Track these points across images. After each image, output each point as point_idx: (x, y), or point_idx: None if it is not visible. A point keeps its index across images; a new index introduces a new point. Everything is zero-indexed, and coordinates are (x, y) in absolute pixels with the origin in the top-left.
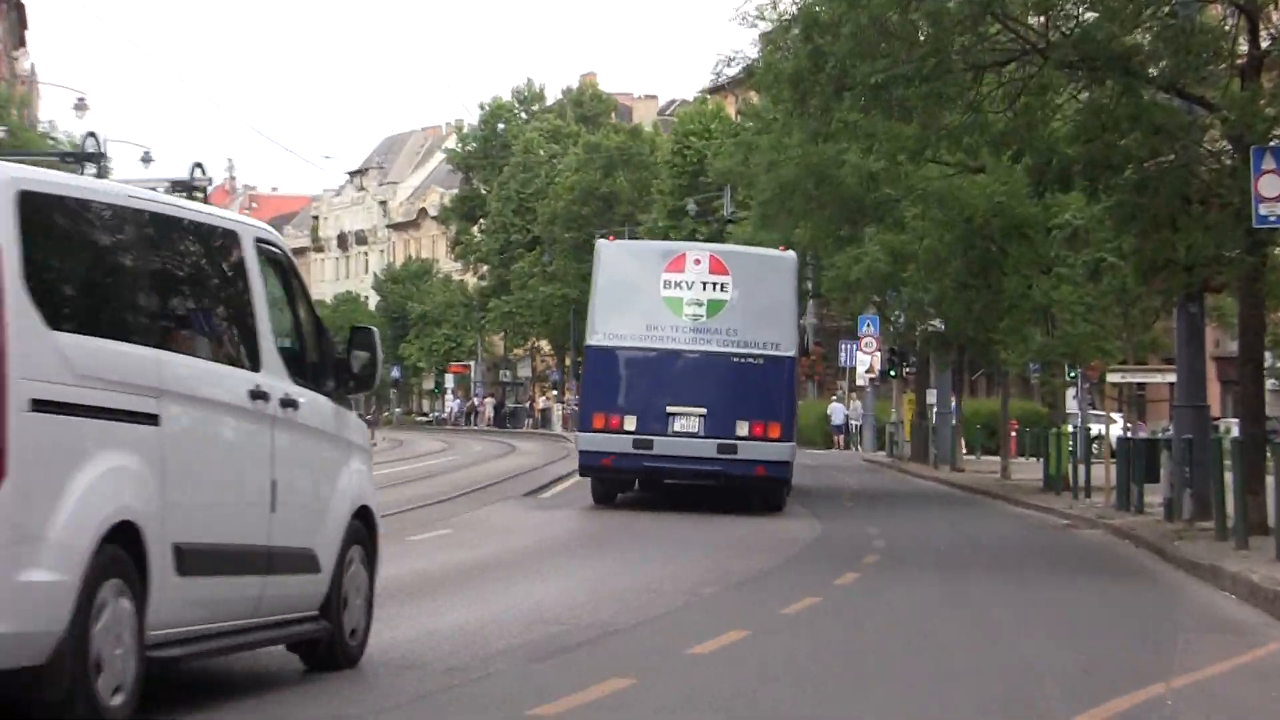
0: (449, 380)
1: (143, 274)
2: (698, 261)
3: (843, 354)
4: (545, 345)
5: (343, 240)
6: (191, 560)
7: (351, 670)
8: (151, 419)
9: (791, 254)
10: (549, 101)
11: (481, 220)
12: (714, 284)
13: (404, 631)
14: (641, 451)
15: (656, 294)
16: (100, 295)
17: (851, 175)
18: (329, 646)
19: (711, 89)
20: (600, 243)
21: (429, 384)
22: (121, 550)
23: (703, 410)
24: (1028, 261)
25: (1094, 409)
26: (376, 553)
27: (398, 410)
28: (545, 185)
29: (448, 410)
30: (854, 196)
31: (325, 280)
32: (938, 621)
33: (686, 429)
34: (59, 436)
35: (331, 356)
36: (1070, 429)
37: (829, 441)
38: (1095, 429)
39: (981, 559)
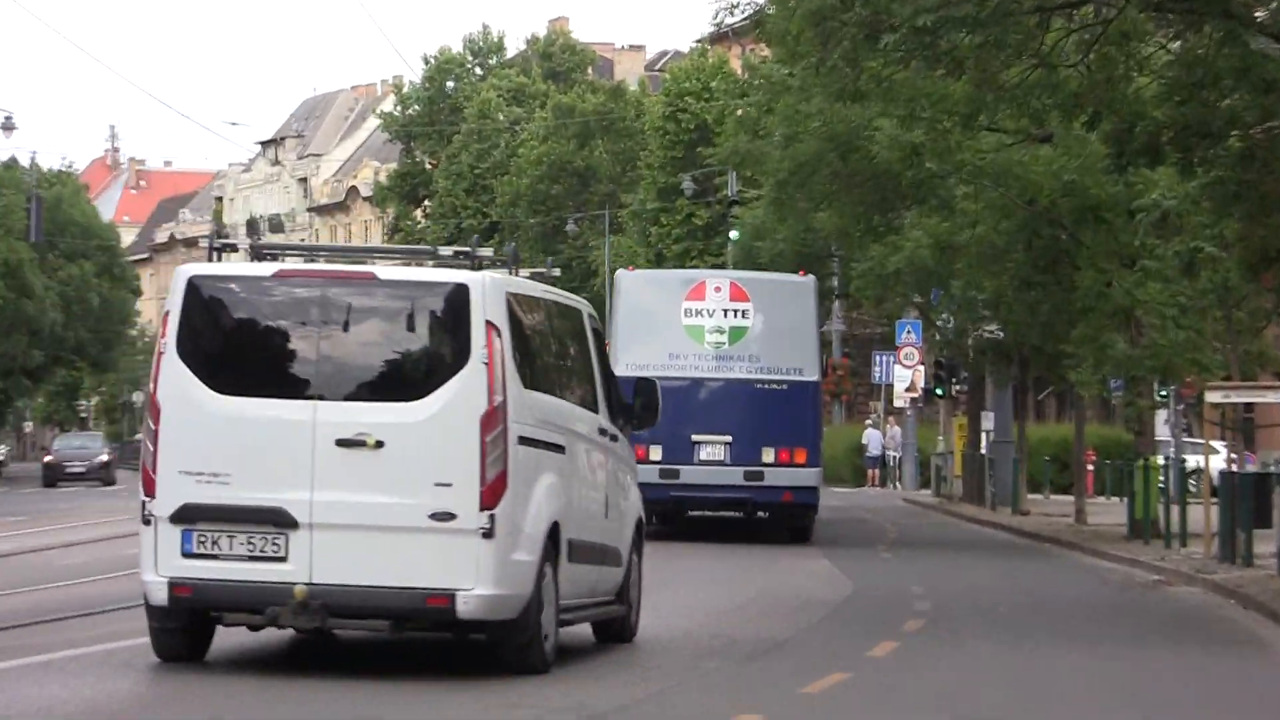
0: None
1: (557, 345)
2: (718, 289)
3: (877, 368)
4: None
5: (253, 227)
6: (576, 551)
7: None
8: (561, 449)
9: (811, 278)
10: (510, 54)
11: (426, 202)
12: (735, 311)
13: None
14: (668, 481)
15: (678, 322)
16: (543, 362)
17: (886, 147)
18: (621, 624)
19: (712, 38)
20: (620, 273)
21: None
22: (549, 541)
23: (728, 438)
24: (1106, 253)
25: (1190, 436)
26: (643, 554)
27: None
28: (505, 158)
29: None
30: (889, 173)
31: None
32: (996, 705)
33: (712, 457)
34: (529, 462)
35: (621, 400)
36: (1161, 461)
37: (861, 477)
38: (1192, 461)
39: (1050, 624)
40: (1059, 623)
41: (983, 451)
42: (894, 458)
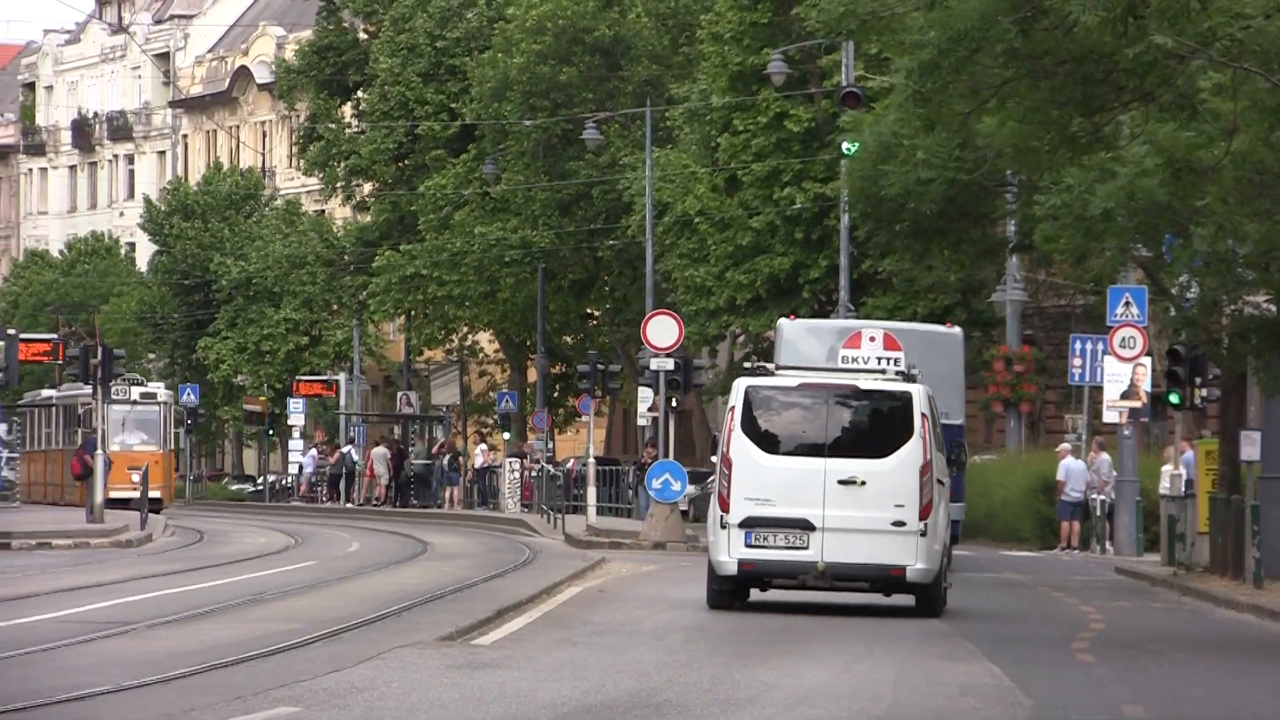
0: (296, 411)
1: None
2: (872, 339)
3: (1077, 361)
4: (487, 342)
5: (83, 131)
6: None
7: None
8: (944, 484)
9: (958, 330)
10: None
11: (359, 93)
12: (887, 359)
13: None
14: None
15: (837, 368)
16: (938, 435)
17: (1085, 6)
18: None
19: None
20: (782, 322)
21: (254, 420)
22: (948, 539)
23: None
24: None
25: None
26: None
27: (190, 476)
28: (485, 24)
29: (295, 470)
30: (1095, 52)
31: (50, 210)
32: None
33: None
34: (940, 493)
35: (950, 452)
36: None
37: (1050, 533)
38: None
39: None
40: None
41: (1243, 494)
42: (1102, 503)
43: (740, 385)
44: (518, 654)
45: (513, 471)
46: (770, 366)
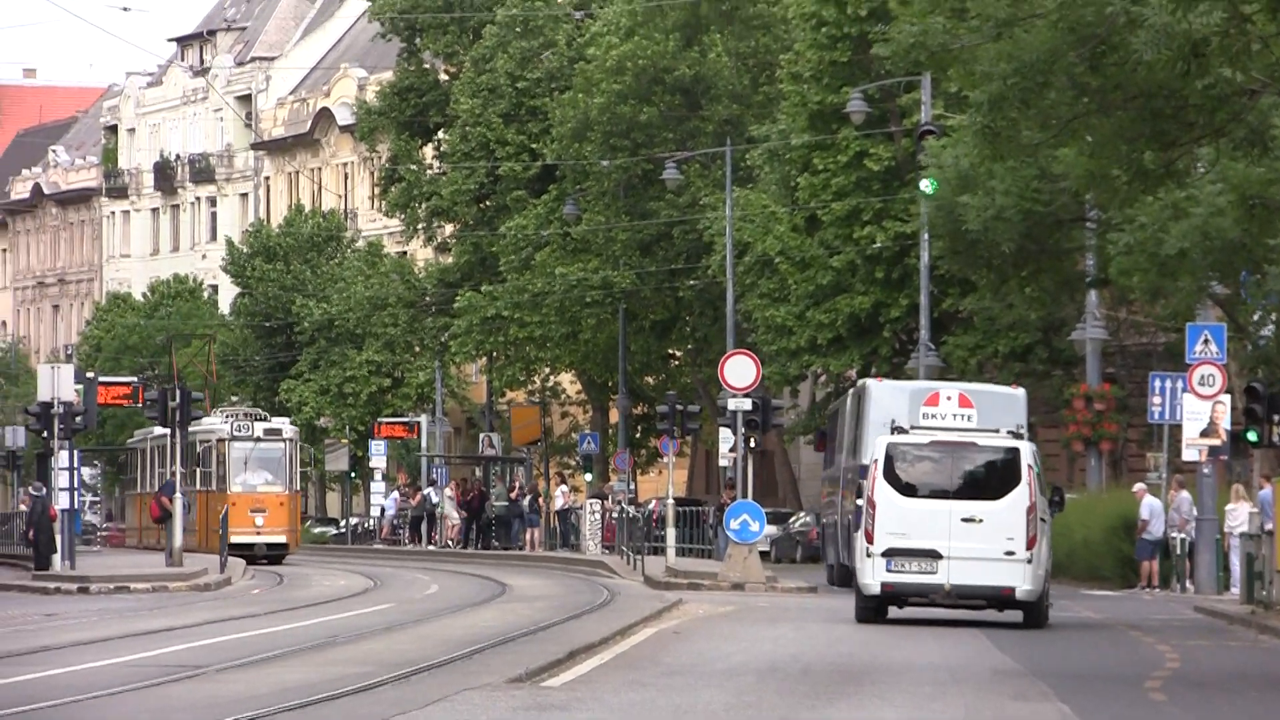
0: (378, 453)
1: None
2: (949, 398)
3: (1156, 400)
4: (569, 383)
5: (165, 173)
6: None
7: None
8: (1046, 521)
9: (1021, 391)
10: None
11: (440, 134)
12: (962, 415)
13: None
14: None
15: (918, 424)
16: (1040, 481)
17: (1148, 43)
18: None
19: None
20: (869, 382)
21: (338, 460)
22: (1050, 566)
23: None
24: None
25: None
26: None
27: None
28: (566, 64)
29: (377, 513)
30: (1165, 88)
31: (132, 253)
32: None
33: None
34: (1043, 528)
35: (1048, 495)
36: None
37: (1130, 572)
38: None
39: None
40: None
41: None
42: (1182, 541)
43: (882, 441)
44: (586, 695)
45: (593, 513)
46: (906, 426)
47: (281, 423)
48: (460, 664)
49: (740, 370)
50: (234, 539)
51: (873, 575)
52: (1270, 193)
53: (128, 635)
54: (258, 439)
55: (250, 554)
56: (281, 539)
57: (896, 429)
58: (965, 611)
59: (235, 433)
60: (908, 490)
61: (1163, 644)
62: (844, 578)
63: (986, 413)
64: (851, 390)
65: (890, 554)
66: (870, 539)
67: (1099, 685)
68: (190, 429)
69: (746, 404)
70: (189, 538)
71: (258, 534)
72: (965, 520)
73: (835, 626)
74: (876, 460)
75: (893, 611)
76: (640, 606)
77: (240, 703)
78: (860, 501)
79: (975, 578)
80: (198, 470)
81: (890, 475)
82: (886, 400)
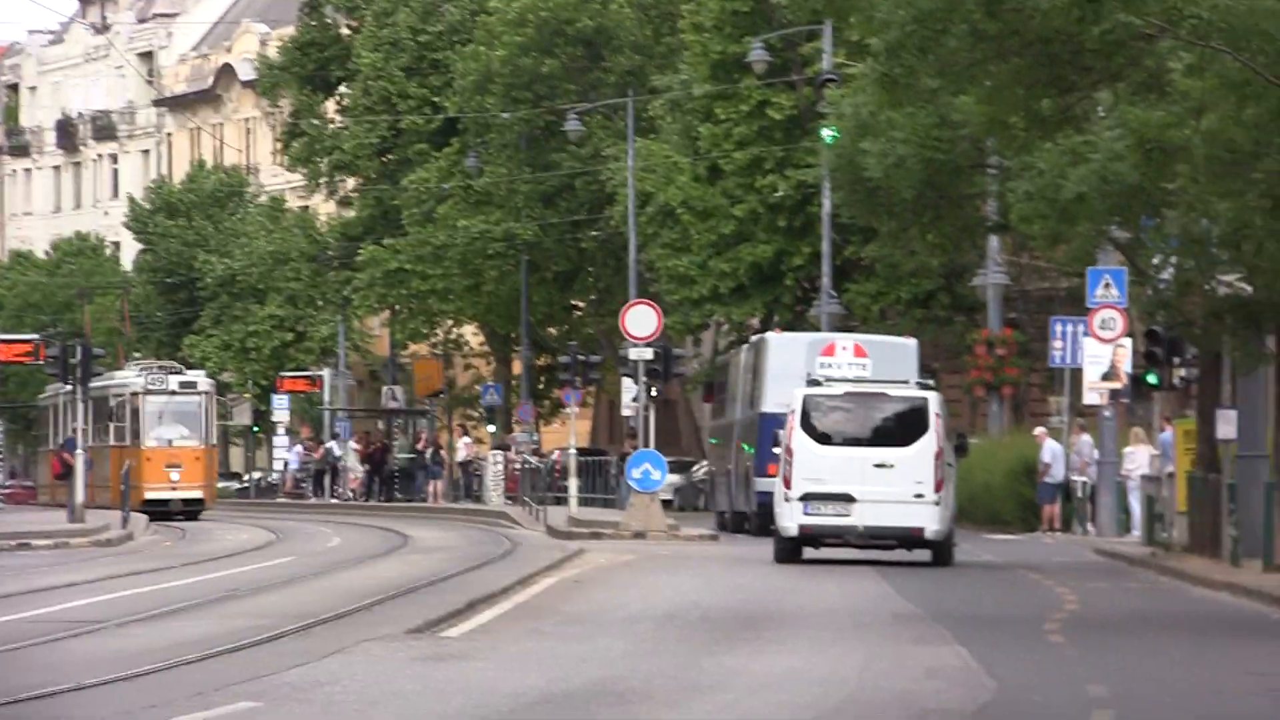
0: (281, 407)
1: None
2: (844, 348)
3: (1057, 344)
4: (472, 335)
5: (67, 131)
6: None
7: None
8: (953, 466)
9: (913, 341)
10: None
11: (342, 88)
12: (857, 365)
13: None
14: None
15: (814, 374)
16: (946, 426)
17: None
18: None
19: None
20: (769, 335)
21: (241, 415)
22: (956, 507)
23: None
24: None
25: None
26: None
27: None
28: (468, 18)
29: (280, 467)
30: (1064, 33)
31: (34, 211)
32: None
33: None
34: (949, 472)
35: (953, 441)
36: None
37: (1032, 516)
38: None
39: None
40: None
41: (1221, 474)
42: (1083, 485)
43: (800, 393)
44: (485, 645)
45: (496, 464)
46: (821, 378)
47: (197, 375)
48: (360, 615)
49: (641, 320)
50: (149, 495)
51: (791, 518)
52: (1168, 137)
53: (27, 591)
54: (172, 392)
55: (166, 510)
56: (198, 494)
57: (811, 381)
58: (877, 552)
59: (149, 386)
60: (823, 439)
61: (1062, 586)
62: (737, 524)
63: (880, 362)
64: (747, 344)
65: (807, 498)
66: (788, 484)
67: (998, 628)
68: (104, 383)
69: (648, 353)
70: (103, 494)
71: (173, 489)
72: (877, 466)
73: (737, 573)
74: (794, 411)
75: (808, 553)
76: (541, 556)
77: (139, 656)
78: (776, 450)
79: (887, 519)
80: (111, 425)
81: (806, 425)
82: (785, 352)
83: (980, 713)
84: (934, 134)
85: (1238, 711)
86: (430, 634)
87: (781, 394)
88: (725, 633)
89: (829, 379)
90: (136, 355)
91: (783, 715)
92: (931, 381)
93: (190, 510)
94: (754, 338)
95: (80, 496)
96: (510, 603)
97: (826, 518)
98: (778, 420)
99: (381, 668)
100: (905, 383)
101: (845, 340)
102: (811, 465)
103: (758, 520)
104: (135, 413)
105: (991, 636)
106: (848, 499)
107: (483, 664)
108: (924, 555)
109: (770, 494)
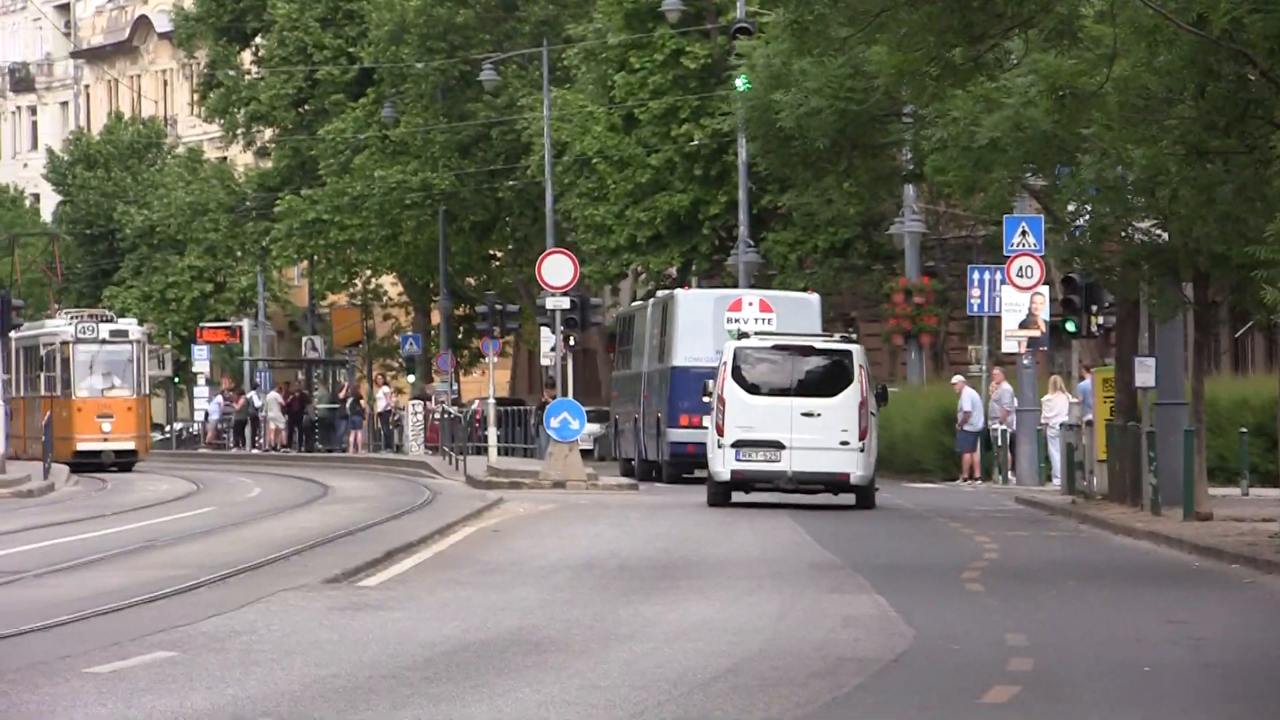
0: (201, 358)
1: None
2: (750, 303)
3: (975, 292)
4: (391, 285)
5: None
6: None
7: None
8: (875, 415)
9: (816, 296)
10: None
11: (258, 39)
12: (763, 319)
13: None
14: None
15: (722, 328)
16: (870, 377)
17: None
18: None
19: None
20: (678, 292)
21: (160, 365)
22: (878, 455)
23: None
24: None
25: None
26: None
27: None
28: None
29: (201, 418)
30: None
31: None
32: None
33: None
34: (873, 421)
35: (875, 391)
36: None
37: (953, 465)
38: None
39: (1227, 696)
40: (1235, 692)
41: (1140, 420)
42: (1003, 433)
43: (730, 345)
44: (402, 595)
45: (415, 414)
46: (750, 331)
47: (129, 324)
48: (278, 565)
49: (558, 269)
50: (80, 446)
51: (723, 464)
52: (1080, 84)
53: None
54: (103, 341)
55: (98, 462)
56: (130, 445)
57: (741, 334)
58: (803, 496)
59: (79, 334)
60: (753, 389)
61: (982, 535)
62: (644, 472)
63: (785, 317)
64: (652, 299)
65: (739, 445)
66: (721, 432)
67: (917, 577)
68: (34, 332)
69: (565, 303)
70: (35, 445)
71: (105, 440)
72: (805, 415)
73: (655, 522)
74: (725, 363)
75: (737, 496)
76: (460, 506)
77: (56, 606)
78: (706, 399)
79: (814, 465)
80: (41, 375)
81: (738, 376)
82: (694, 307)
83: (898, 661)
84: (847, 84)
85: (1156, 659)
86: (348, 584)
87: (691, 348)
88: (643, 582)
89: (742, 333)
90: (55, 306)
91: (698, 664)
92: (854, 335)
93: (123, 462)
94: (661, 293)
95: (1, 448)
96: (428, 552)
97: (757, 464)
98: (687, 373)
99: (298, 617)
100: (830, 336)
101: (751, 296)
102: (743, 414)
103: (670, 469)
104: (66, 362)
105: (910, 585)
106: (778, 445)
107: (399, 613)
108: (848, 499)
109: (682, 444)
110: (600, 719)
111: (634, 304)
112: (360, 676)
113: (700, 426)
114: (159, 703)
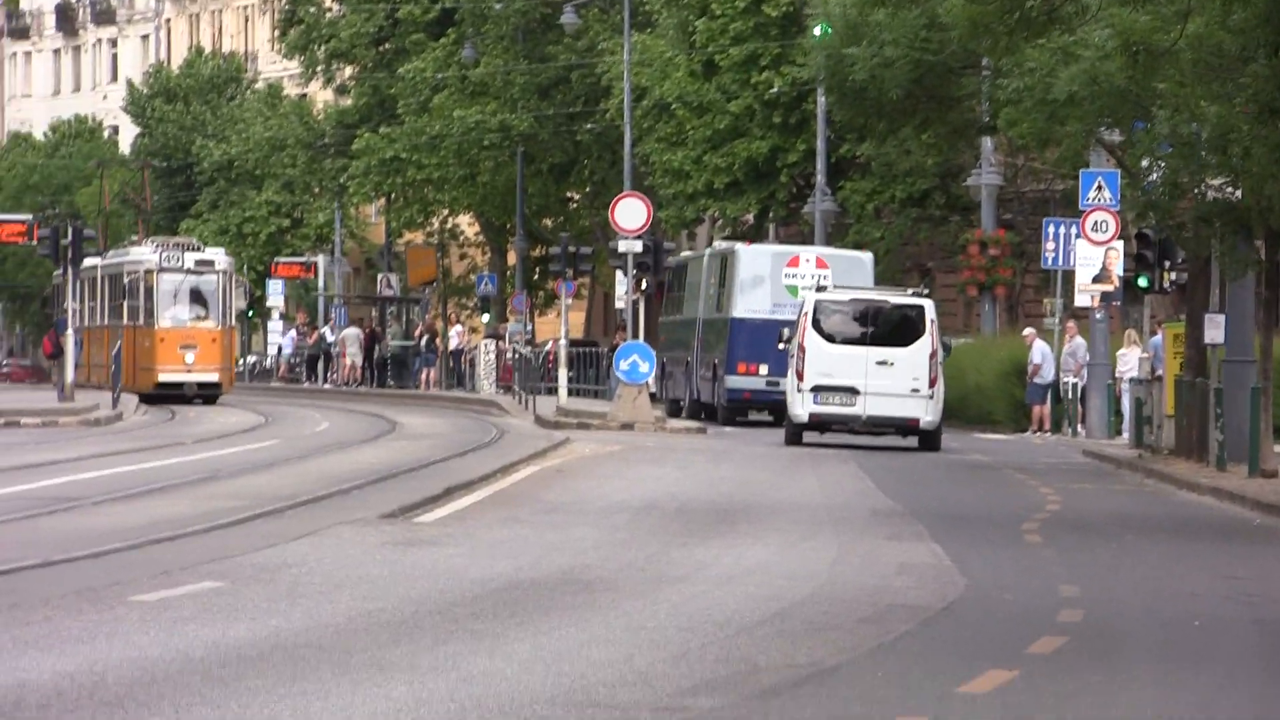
0: (275, 293)
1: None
2: (808, 260)
3: (1049, 246)
4: (468, 225)
5: (67, 15)
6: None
7: None
8: (941, 362)
9: (869, 255)
10: None
11: None
12: (819, 275)
13: None
14: (772, 388)
15: (780, 283)
16: (940, 328)
17: None
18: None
19: None
20: (739, 246)
21: (236, 299)
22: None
23: None
24: None
25: None
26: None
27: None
28: None
29: (275, 351)
30: None
31: (34, 94)
32: None
33: None
34: (942, 370)
35: (940, 343)
36: None
37: (1023, 416)
38: None
39: (1271, 650)
40: None
41: (1209, 378)
42: (1074, 386)
43: (811, 297)
44: (458, 532)
45: (488, 353)
46: (830, 285)
47: (216, 253)
48: (336, 500)
49: (631, 212)
50: (162, 377)
51: (802, 407)
52: (1154, 40)
53: (9, 468)
54: (188, 270)
55: (181, 394)
56: (214, 377)
57: (820, 288)
58: (870, 438)
59: (164, 264)
60: (830, 338)
61: (1046, 487)
62: (694, 411)
63: (840, 274)
64: (709, 250)
65: (817, 389)
66: (800, 377)
67: (976, 527)
68: (118, 260)
69: (637, 246)
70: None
71: (188, 372)
72: (879, 363)
73: (720, 466)
74: (806, 314)
75: (809, 437)
76: (526, 445)
77: (108, 535)
78: (783, 346)
79: (887, 410)
80: (125, 304)
81: (817, 326)
82: (753, 261)
83: (947, 610)
84: (922, 34)
85: (1208, 614)
86: (404, 519)
87: (750, 301)
88: (701, 525)
89: (820, 286)
90: (133, 239)
91: (747, 607)
92: (927, 290)
93: (206, 394)
94: (719, 245)
95: (70, 375)
96: (489, 490)
97: (834, 407)
98: (744, 324)
99: (351, 551)
100: (903, 290)
101: (808, 253)
102: (821, 361)
103: (725, 412)
104: (149, 291)
105: (968, 535)
106: (853, 391)
107: (453, 550)
108: (913, 442)
109: (739, 390)
110: (643, 659)
111: (685, 254)
112: (406, 611)
113: (756, 374)
114: (201, 632)
